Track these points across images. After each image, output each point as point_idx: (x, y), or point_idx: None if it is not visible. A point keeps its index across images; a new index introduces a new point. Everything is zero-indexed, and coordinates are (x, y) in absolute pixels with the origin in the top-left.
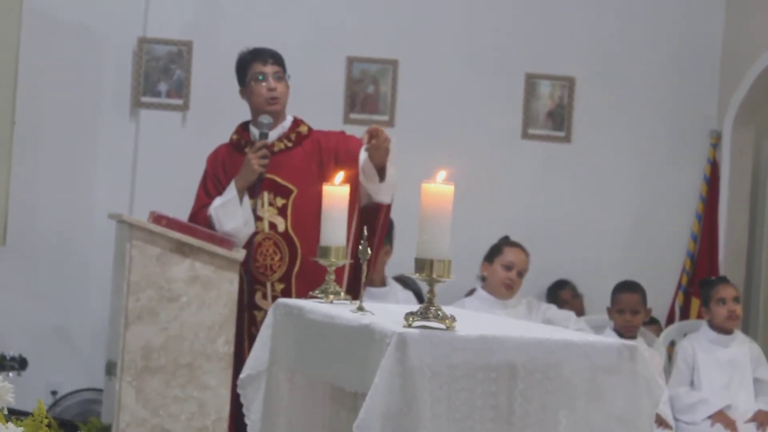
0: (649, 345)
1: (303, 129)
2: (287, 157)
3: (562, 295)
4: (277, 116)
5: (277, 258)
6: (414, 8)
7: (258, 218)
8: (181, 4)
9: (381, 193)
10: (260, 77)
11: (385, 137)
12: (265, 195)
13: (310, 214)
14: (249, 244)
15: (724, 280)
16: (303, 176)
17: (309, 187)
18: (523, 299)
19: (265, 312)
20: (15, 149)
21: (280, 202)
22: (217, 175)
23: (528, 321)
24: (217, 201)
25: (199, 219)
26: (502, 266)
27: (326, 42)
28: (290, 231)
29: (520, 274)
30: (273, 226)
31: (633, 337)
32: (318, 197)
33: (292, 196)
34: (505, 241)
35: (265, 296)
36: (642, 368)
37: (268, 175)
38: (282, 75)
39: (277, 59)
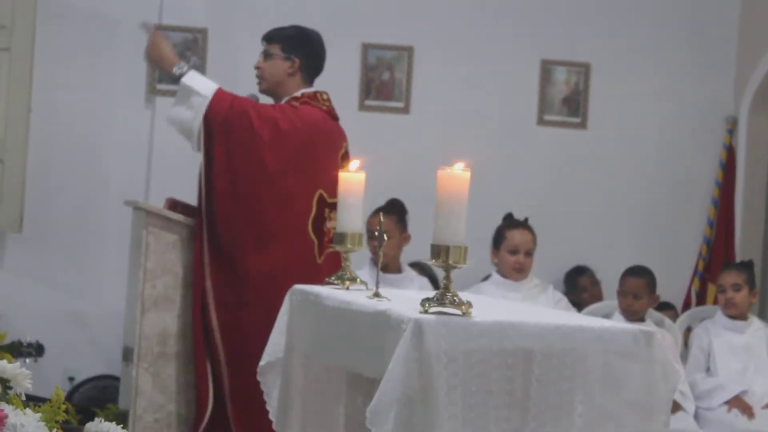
0: (659, 326)
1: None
2: None
3: (581, 281)
4: (273, 96)
5: None
6: None
7: None
8: None
9: None
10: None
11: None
12: None
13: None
14: None
15: (728, 266)
16: None
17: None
18: (536, 279)
19: None
20: (31, 137)
21: None
22: None
23: (543, 300)
24: None
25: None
26: (507, 252)
27: (341, 28)
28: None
29: (528, 254)
30: None
31: (638, 321)
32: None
33: None
34: (506, 224)
35: None
36: (659, 354)
37: None
38: (274, 52)
39: (270, 37)
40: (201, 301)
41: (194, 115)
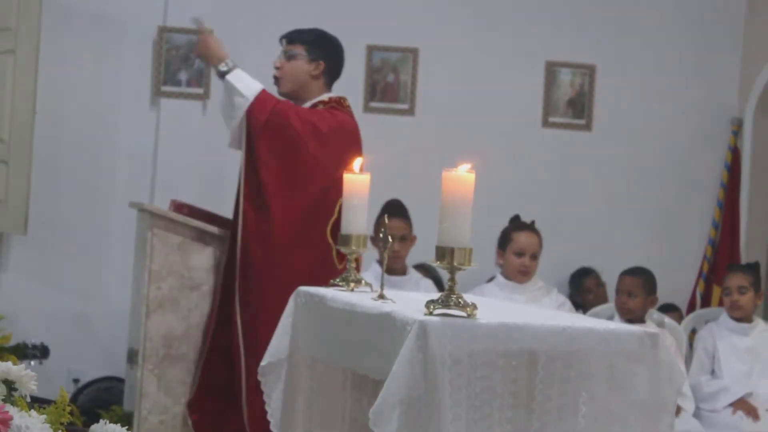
0: (659, 326)
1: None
2: None
3: (587, 283)
4: (294, 98)
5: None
6: None
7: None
8: None
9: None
10: None
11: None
12: None
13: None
14: None
15: (734, 268)
16: None
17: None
18: (541, 282)
19: None
20: (36, 139)
21: None
22: None
23: (547, 303)
24: None
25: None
26: (513, 254)
27: (346, 30)
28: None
29: (534, 257)
30: None
31: (631, 320)
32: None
33: None
34: (513, 226)
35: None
36: (664, 356)
37: None
38: (297, 53)
39: (292, 37)
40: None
41: (235, 115)
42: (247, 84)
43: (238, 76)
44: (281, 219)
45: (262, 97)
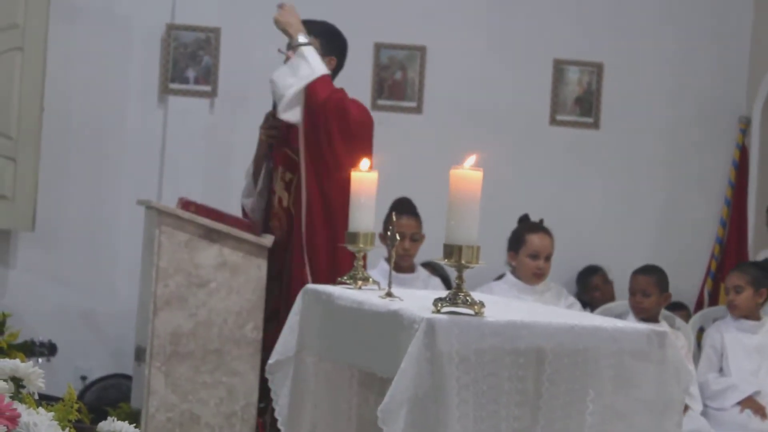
0: (671, 326)
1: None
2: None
3: (594, 281)
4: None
5: (279, 234)
6: None
7: (273, 192)
8: None
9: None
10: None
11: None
12: (279, 169)
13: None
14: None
15: (735, 267)
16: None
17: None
18: (552, 284)
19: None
20: (44, 136)
21: (288, 176)
22: None
23: (555, 303)
24: (246, 169)
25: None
26: (528, 256)
27: (354, 28)
28: (291, 207)
29: (548, 259)
30: (280, 200)
31: (646, 319)
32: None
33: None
34: (526, 228)
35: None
36: (672, 354)
37: (285, 149)
38: (314, 45)
39: (306, 29)
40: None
41: (295, 83)
42: (318, 62)
43: (313, 53)
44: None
45: (326, 78)
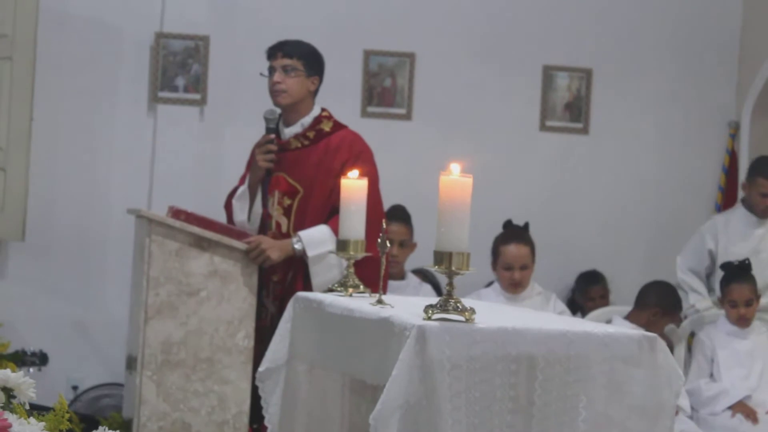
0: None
1: (326, 126)
2: (300, 156)
3: (593, 291)
4: (291, 110)
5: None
6: (431, 1)
7: (269, 216)
8: None
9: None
10: (270, 71)
11: (259, 253)
12: (276, 194)
13: (310, 217)
14: None
15: (739, 277)
16: (311, 178)
17: (314, 189)
18: (538, 287)
19: (267, 310)
20: (33, 145)
21: (286, 202)
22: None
23: (544, 309)
24: (239, 190)
25: (227, 204)
26: (502, 268)
27: (343, 35)
28: (291, 233)
29: (524, 268)
30: (278, 225)
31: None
32: (321, 200)
33: (298, 197)
34: (501, 239)
35: (267, 295)
36: (663, 359)
37: (281, 174)
38: (296, 68)
39: (289, 52)
40: None
41: (340, 267)
42: (321, 239)
43: (311, 244)
44: None
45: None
